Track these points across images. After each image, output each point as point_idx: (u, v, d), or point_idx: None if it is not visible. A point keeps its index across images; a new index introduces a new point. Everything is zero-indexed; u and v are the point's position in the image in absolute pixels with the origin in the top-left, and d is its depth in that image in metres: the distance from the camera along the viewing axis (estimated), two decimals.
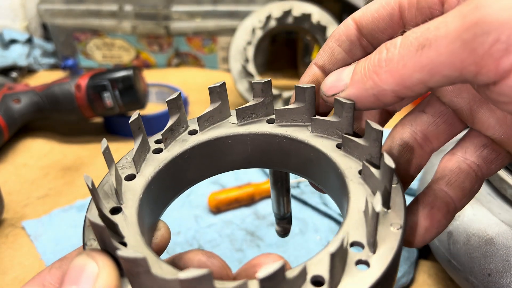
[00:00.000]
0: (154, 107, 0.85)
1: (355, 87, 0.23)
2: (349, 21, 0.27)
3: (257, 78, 0.80)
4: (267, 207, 0.59)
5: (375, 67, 0.21)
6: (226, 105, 0.29)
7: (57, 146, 0.76)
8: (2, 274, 0.50)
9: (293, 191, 0.61)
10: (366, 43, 0.27)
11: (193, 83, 1.00)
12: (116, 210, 0.24)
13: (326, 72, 0.28)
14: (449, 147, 0.48)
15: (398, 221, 0.22)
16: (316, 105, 0.28)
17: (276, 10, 0.82)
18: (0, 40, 1.06)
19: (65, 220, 0.58)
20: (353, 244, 0.21)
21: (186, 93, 0.88)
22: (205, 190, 0.61)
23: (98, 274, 0.20)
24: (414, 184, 0.54)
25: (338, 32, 0.27)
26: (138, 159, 0.26)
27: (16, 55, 1.03)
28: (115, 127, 0.79)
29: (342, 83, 0.24)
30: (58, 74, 1.02)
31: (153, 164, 0.26)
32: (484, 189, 0.42)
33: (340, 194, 0.26)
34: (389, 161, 0.21)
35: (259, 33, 0.81)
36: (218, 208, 0.58)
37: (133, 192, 0.24)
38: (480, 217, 0.39)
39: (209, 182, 0.64)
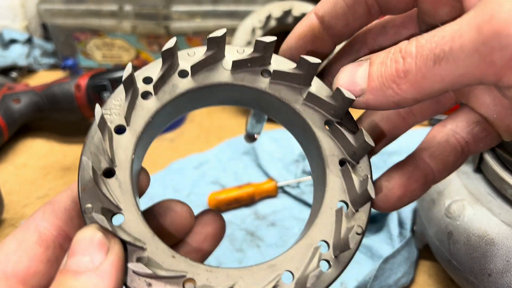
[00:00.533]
0: None
1: (374, 94, 0.22)
2: None
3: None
4: (267, 207, 0.59)
5: (393, 77, 0.21)
6: (222, 51, 0.27)
7: (57, 146, 0.76)
8: None
9: (293, 191, 0.61)
10: (371, 1, 0.26)
11: None
12: (109, 172, 0.23)
13: (324, 23, 0.27)
14: None
15: (361, 225, 0.24)
16: (309, 52, 0.27)
17: (276, 10, 0.81)
18: None
19: None
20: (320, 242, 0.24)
21: None
22: (205, 190, 0.61)
23: (108, 246, 0.21)
24: None
25: None
26: (128, 105, 0.25)
27: (16, 55, 1.03)
28: None
29: (358, 87, 0.23)
30: (58, 74, 1.02)
31: (142, 114, 0.25)
32: (484, 189, 0.42)
33: (317, 170, 0.27)
34: (369, 137, 0.24)
35: (259, 33, 0.81)
36: (218, 208, 0.58)
37: (125, 150, 0.24)
38: (480, 217, 0.39)
39: (209, 182, 0.64)
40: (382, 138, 0.28)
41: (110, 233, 0.21)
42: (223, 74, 0.26)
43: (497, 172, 0.40)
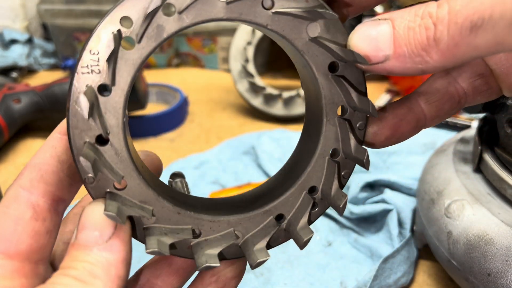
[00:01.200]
0: (154, 107, 0.85)
1: (400, 61, 0.21)
2: None
3: (257, 78, 0.80)
4: None
5: (424, 45, 0.20)
6: None
7: None
8: None
9: None
10: None
11: (193, 83, 1.00)
12: (102, 139, 0.22)
13: None
14: (450, 147, 0.48)
15: (348, 169, 0.26)
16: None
17: None
18: (0, 40, 1.06)
19: None
20: (312, 189, 0.26)
21: (186, 93, 0.88)
22: (205, 190, 0.61)
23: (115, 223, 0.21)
24: (414, 184, 0.54)
25: None
26: (111, 62, 0.21)
27: (16, 55, 1.03)
28: None
29: (382, 53, 0.21)
30: (58, 74, 1.03)
31: (126, 69, 0.22)
32: (484, 189, 0.42)
33: (315, 115, 0.27)
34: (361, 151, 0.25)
35: (259, 33, 0.81)
36: None
37: (114, 114, 0.22)
38: (480, 217, 0.39)
39: (209, 182, 0.64)
40: None
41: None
42: (216, 7, 0.22)
43: (497, 172, 0.40)
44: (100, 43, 0.21)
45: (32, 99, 0.74)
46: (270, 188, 0.28)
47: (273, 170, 0.64)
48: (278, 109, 0.81)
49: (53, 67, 1.09)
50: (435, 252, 0.44)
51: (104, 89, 0.21)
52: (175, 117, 0.82)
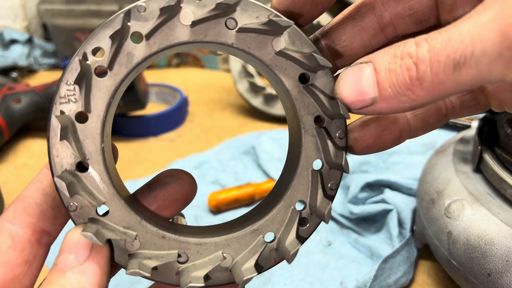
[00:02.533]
0: (154, 107, 0.85)
1: (388, 102, 0.21)
2: None
3: (257, 78, 0.80)
4: None
5: (407, 84, 0.20)
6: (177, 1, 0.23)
7: None
8: None
9: None
10: None
11: (193, 83, 1.00)
12: (82, 167, 0.23)
13: None
14: (450, 147, 0.48)
15: (335, 180, 0.25)
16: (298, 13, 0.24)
17: None
18: (0, 40, 1.06)
19: None
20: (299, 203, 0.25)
21: (186, 93, 0.88)
22: (205, 190, 0.61)
23: (92, 244, 0.22)
24: (414, 184, 0.54)
25: None
26: (82, 86, 0.22)
27: (16, 55, 1.03)
28: (115, 127, 0.79)
29: (368, 97, 0.21)
30: (58, 74, 1.02)
31: (101, 96, 0.23)
32: (484, 189, 0.42)
33: (293, 126, 0.27)
34: (344, 111, 0.23)
35: None
36: (218, 208, 0.58)
37: (93, 140, 0.23)
38: (480, 217, 0.39)
39: (209, 182, 0.64)
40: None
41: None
42: (182, 31, 0.23)
43: (497, 172, 0.40)
44: (75, 73, 0.22)
45: (32, 99, 0.74)
46: (259, 208, 0.28)
47: (273, 170, 0.64)
48: (278, 109, 0.81)
49: (53, 67, 1.09)
50: (435, 252, 0.44)
51: (80, 116, 0.22)
52: (175, 117, 0.82)
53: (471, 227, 0.39)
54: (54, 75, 1.00)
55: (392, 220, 0.51)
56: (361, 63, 0.22)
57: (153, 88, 0.89)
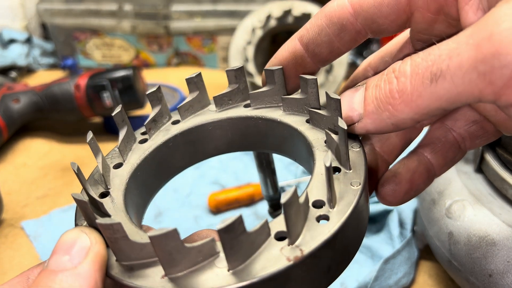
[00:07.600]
0: None
1: (371, 118, 0.22)
2: (345, 2, 0.25)
3: (257, 78, 0.80)
4: (267, 208, 0.59)
5: (388, 98, 0.21)
6: (204, 95, 0.30)
7: (57, 146, 0.76)
8: (1, 274, 0.50)
9: None
10: (360, 27, 0.25)
11: None
12: (104, 195, 0.25)
13: (308, 50, 0.27)
14: None
15: (358, 180, 0.23)
16: (286, 84, 0.29)
17: (276, 10, 0.81)
18: None
19: (65, 220, 0.57)
20: (315, 203, 0.22)
21: (185, 93, 0.88)
22: (205, 190, 0.61)
23: (89, 246, 0.20)
24: None
25: (330, 11, 0.25)
26: (124, 148, 0.28)
27: (16, 54, 1.03)
28: (114, 127, 0.79)
29: (356, 113, 0.23)
30: (57, 74, 1.02)
31: (138, 153, 0.28)
32: (485, 189, 0.42)
33: (309, 162, 0.27)
34: (341, 123, 0.23)
35: (259, 33, 0.81)
36: (218, 208, 0.58)
37: (120, 178, 0.26)
38: (481, 217, 0.39)
39: (209, 182, 0.64)
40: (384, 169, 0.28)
41: (93, 229, 0.21)
42: (210, 114, 0.30)
43: (498, 172, 0.40)
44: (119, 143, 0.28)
45: (31, 99, 0.74)
46: None
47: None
48: None
49: (52, 67, 1.09)
50: (436, 253, 0.44)
51: (117, 165, 0.27)
52: None
53: (472, 228, 0.39)
54: (53, 75, 0.99)
55: (393, 220, 0.51)
56: (359, 85, 0.23)
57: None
